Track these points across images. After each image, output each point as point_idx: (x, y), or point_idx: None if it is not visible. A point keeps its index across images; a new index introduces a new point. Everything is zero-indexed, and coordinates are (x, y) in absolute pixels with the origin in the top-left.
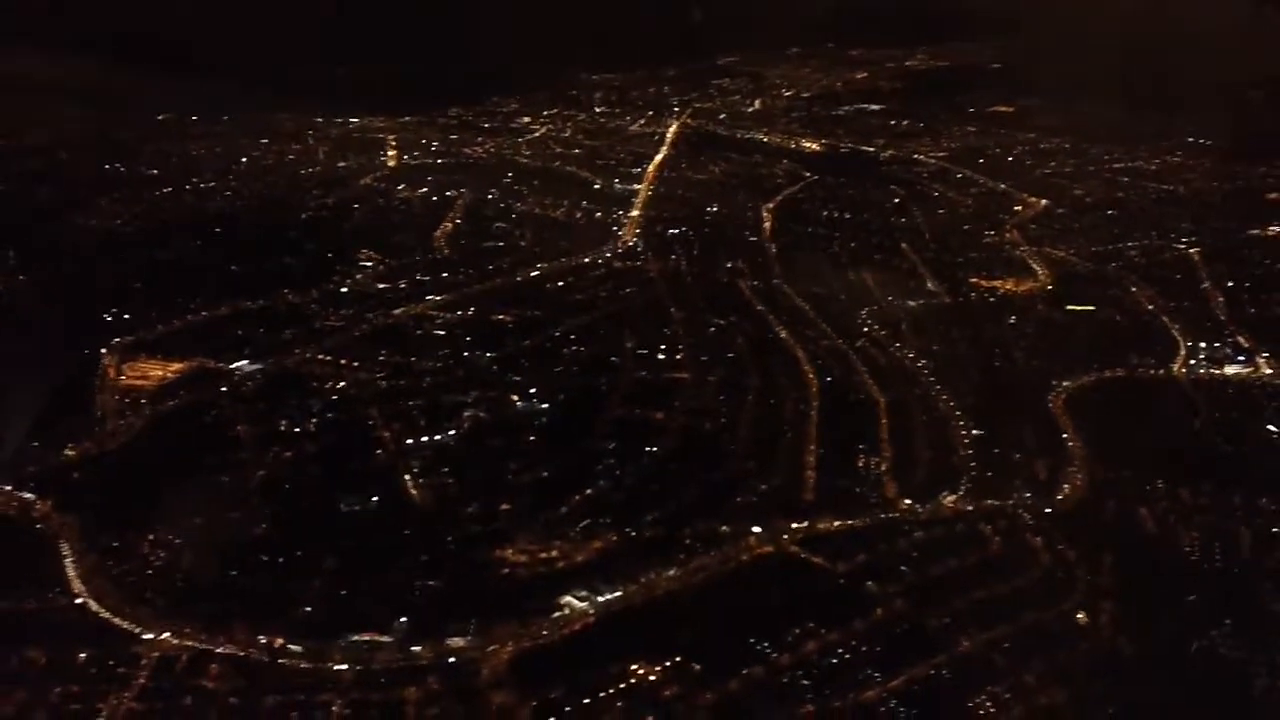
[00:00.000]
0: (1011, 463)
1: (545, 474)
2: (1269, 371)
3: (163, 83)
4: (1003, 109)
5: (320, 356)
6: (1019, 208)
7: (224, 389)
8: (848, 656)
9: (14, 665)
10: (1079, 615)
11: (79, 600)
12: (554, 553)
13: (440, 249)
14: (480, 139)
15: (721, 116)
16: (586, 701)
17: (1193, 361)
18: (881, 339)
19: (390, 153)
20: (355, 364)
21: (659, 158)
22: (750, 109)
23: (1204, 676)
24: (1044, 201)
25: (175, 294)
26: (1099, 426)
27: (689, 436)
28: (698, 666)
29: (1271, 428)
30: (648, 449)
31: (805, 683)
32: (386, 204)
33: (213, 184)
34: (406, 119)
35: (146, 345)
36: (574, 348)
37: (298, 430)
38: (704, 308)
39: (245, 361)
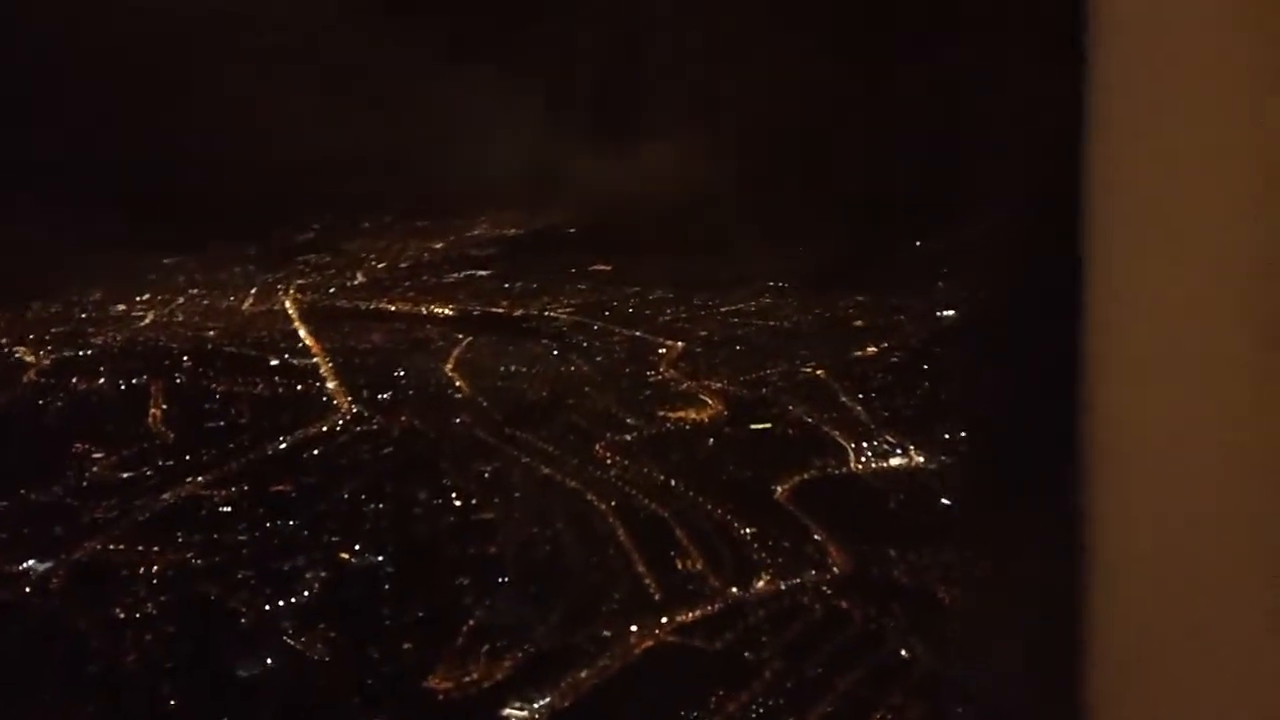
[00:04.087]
0: (787, 548)
1: (421, 614)
2: (922, 459)
3: None
4: (601, 266)
5: (113, 546)
6: (663, 350)
7: (28, 589)
8: (762, 710)
9: None
10: (902, 651)
11: None
12: (475, 675)
13: (163, 435)
14: (92, 330)
15: (331, 290)
16: None
17: (863, 459)
18: (628, 466)
19: (20, 349)
20: (156, 548)
21: (304, 333)
22: (356, 282)
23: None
24: (680, 344)
25: None
26: (824, 514)
27: (529, 563)
28: None
29: (945, 500)
30: (500, 579)
31: None
32: (71, 397)
33: None
34: None
35: None
36: (371, 505)
37: (138, 615)
38: (465, 458)
39: (33, 561)
